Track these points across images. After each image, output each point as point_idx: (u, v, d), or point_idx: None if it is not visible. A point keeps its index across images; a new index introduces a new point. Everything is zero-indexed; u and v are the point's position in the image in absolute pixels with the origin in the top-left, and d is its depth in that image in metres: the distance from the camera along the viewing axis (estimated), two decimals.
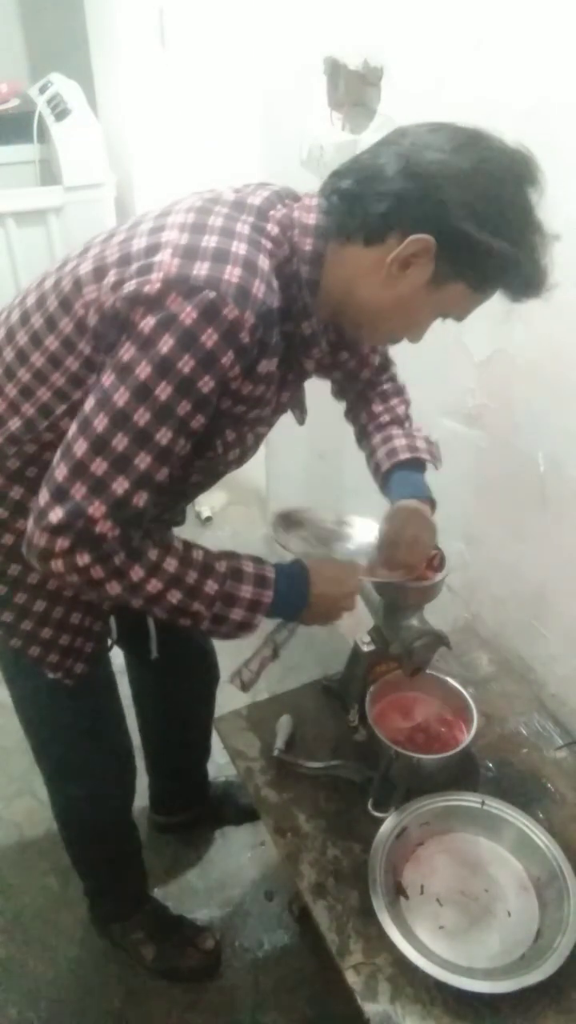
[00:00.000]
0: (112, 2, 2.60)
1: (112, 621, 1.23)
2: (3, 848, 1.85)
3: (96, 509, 0.88)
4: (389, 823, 1.21)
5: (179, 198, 1.00)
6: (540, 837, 1.19)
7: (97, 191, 2.71)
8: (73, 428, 0.90)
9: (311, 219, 0.94)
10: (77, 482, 0.88)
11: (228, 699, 1.53)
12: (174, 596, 0.96)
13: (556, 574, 1.41)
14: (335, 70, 1.55)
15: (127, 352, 0.86)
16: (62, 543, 0.89)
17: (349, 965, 1.10)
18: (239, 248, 0.88)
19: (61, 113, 2.74)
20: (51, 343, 0.96)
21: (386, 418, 1.30)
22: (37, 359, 0.98)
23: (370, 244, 0.92)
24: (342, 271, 0.95)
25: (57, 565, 0.90)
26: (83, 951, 1.68)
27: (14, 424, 1.00)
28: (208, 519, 2.72)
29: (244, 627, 1.02)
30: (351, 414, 1.36)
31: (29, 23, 3.18)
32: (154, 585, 0.94)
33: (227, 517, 2.78)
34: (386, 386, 1.33)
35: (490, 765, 1.35)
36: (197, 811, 1.84)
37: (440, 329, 1.48)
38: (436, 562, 1.23)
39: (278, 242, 0.93)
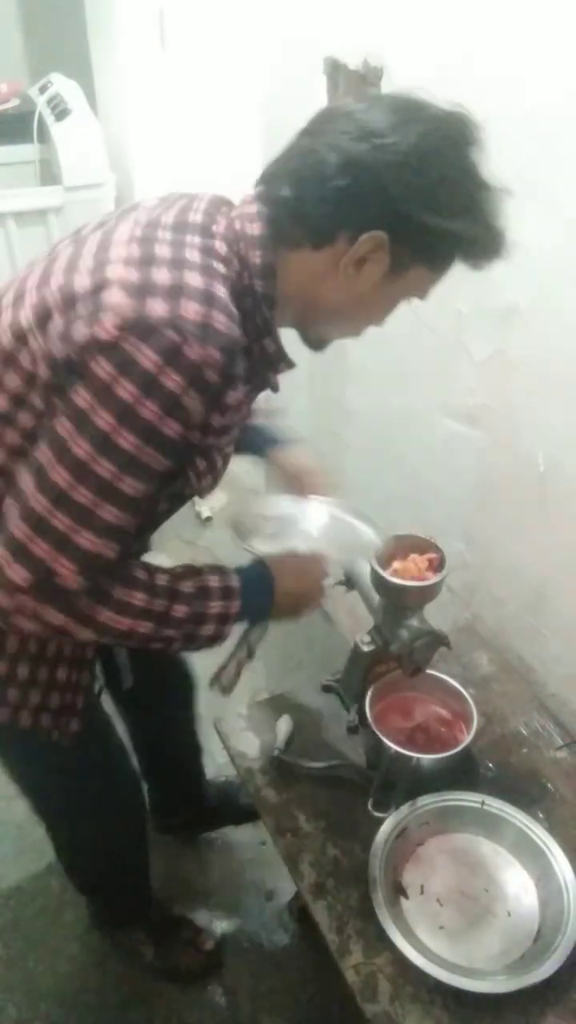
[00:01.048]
0: (112, 2, 2.61)
1: (98, 668, 1.20)
2: (3, 848, 1.85)
3: (63, 566, 0.85)
4: (389, 823, 1.21)
5: (107, 220, 0.94)
6: (540, 837, 1.19)
7: (97, 191, 2.72)
8: (28, 480, 0.84)
9: (256, 229, 0.89)
10: (39, 539, 0.84)
11: (228, 699, 1.53)
12: (145, 627, 0.94)
13: (556, 574, 1.41)
14: (335, 70, 1.55)
15: (83, 399, 0.80)
16: (26, 601, 0.85)
17: (349, 965, 1.10)
18: (192, 279, 0.82)
19: (61, 113, 2.74)
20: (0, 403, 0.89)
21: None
22: None
23: (319, 248, 0.88)
24: (297, 278, 0.91)
25: (21, 622, 0.87)
26: (83, 951, 1.68)
27: None
28: (208, 519, 2.72)
29: (216, 639, 1.02)
30: None
31: (29, 23, 3.19)
32: (123, 622, 0.92)
33: (227, 517, 2.77)
34: None
35: (490, 765, 1.35)
36: (196, 812, 1.84)
37: (440, 329, 1.48)
38: (436, 562, 1.23)
39: (227, 260, 0.87)
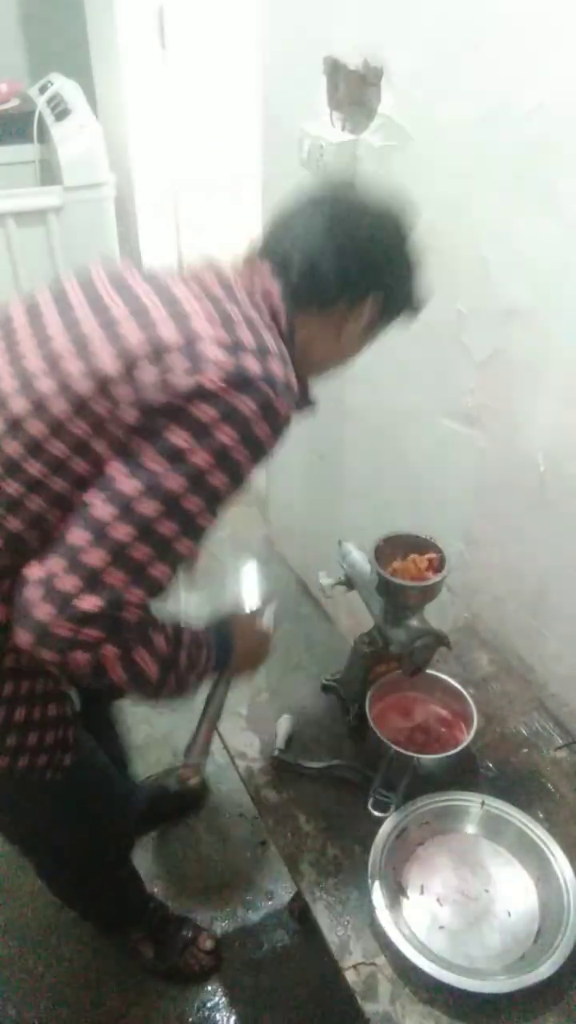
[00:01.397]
0: (112, 2, 2.60)
1: (74, 694, 1.19)
2: (3, 848, 1.85)
3: (134, 596, 0.87)
4: (389, 823, 1.21)
5: (122, 276, 0.99)
6: (540, 837, 1.19)
7: (97, 191, 2.71)
8: (102, 511, 0.85)
9: (277, 297, 0.99)
10: (115, 568, 0.85)
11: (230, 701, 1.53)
12: (153, 672, 0.95)
13: (556, 574, 1.41)
14: (335, 70, 1.55)
15: (181, 439, 0.85)
16: (92, 633, 0.85)
17: (349, 965, 1.10)
18: (269, 341, 0.91)
19: (61, 113, 2.74)
20: (56, 449, 0.89)
21: None
22: (32, 467, 0.90)
23: (324, 310, 1.02)
24: (299, 337, 1.02)
25: (77, 656, 0.86)
26: (83, 951, 1.69)
27: None
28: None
29: (191, 692, 1.05)
30: None
31: (29, 23, 3.18)
32: (150, 667, 0.94)
33: (227, 517, 2.77)
34: None
35: (490, 765, 1.35)
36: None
37: (440, 329, 1.48)
38: (436, 562, 1.23)
39: (268, 324, 0.98)
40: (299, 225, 1.02)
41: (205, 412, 0.85)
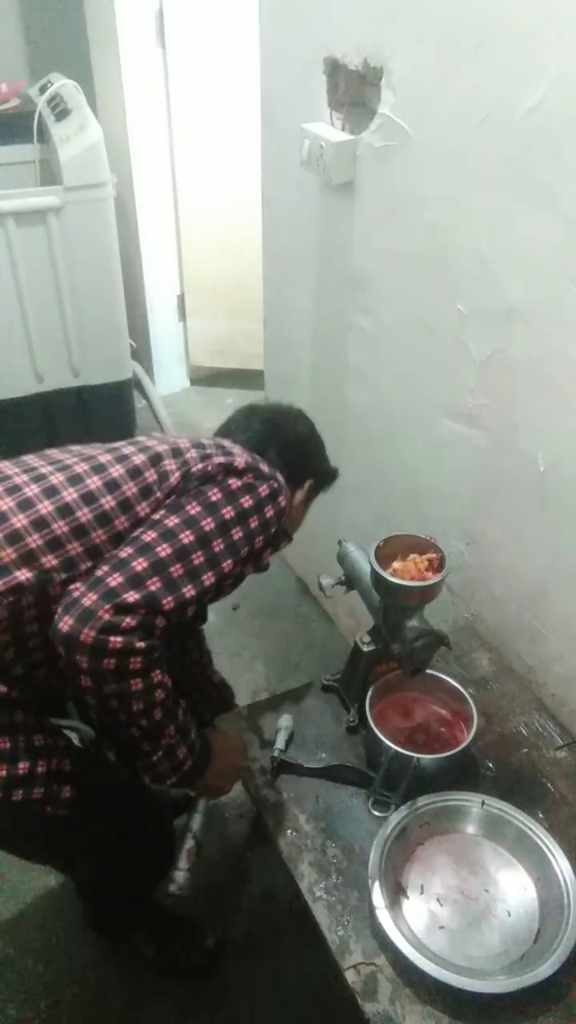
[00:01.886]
0: (112, 2, 2.60)
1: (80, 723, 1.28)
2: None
3: (167, 603, 1.03)
4: (389, 823, 1.21)
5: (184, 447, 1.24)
6: (540, 837, 1.19)
7: (97, 191, 2.71)
8: (147, 536, 1.07)
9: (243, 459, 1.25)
10: (155, 576, 1.03)
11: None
12: (156, 710, 1.07)
13: (556, 574, 1.41)
14: (335, 70, 1.55)
15: (215, 496, 1.12)
16: (129, 622, 0.99)
17: (349, 965, 1.10)
18: (267, 467, 1.22)
19: (61, 113, 2.73)
20: (114, 518, 1.11)
21: (205, 659, 1.65)
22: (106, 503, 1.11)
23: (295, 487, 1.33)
24: None
25: (115, 641, 0.98)
26: (83, 951, 1.68)
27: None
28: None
29: (161, 778, 1.15)
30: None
31: (29, 23, 3.18)
32: (160, 693, 1.06)
33: None
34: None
35: (490, 765, 1.35)
36: None
37: (440, 329, 1.48)
38: (436, 562, 1.23)
39: None
40: (254, 425, 1.33)
41: (234, 483, 1.14)
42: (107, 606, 0.98)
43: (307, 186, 1.77)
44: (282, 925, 1.70)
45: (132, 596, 1.00)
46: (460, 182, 1.33)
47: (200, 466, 1.14)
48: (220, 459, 1.15)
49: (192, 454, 1.17)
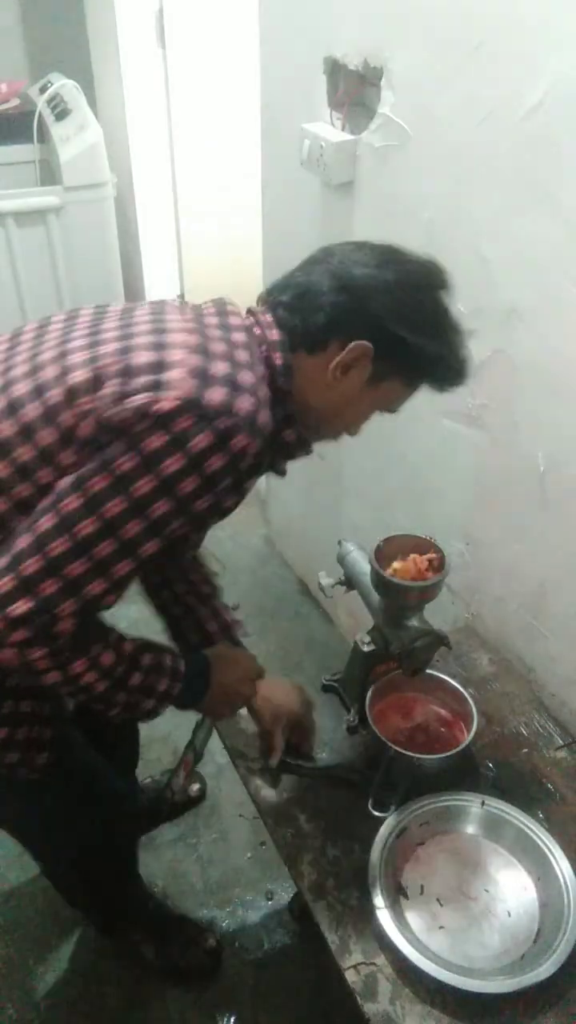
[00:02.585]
0: (112, 2, 2.61)
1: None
2: (3, 848, 1.85)
3: (66, 608, 0.88)
4: (389, 823, 1.21)
5: (133, 307, 1.01)
6: (540, 837, 1.19)
7: (97, 191, 2.72)
8: (46, 522, 0.87)
9: (275, 335, 0.99)
10: (50, 579, 0.87)
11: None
12: (102, 686, 0.98)
13: (556, 574, 1.41)
14: (335, 70, 1.55)
15: (127, 463, 0.85)
16: (20, 635, 0.88)
17: (349, 965, 1.10)
18: (246, 377, 0.90)
19: (61, 113, 2.74)
20: (23, 454, 0.91)
21: (207, 589, 1.34)
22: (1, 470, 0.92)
23: (313, 353, 0.98)
24: (297, 379, 1.00)
25: (6, 653, 0.89)
26: (83, 951, 1.69)
27: None
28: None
29: (151, 714, 1.07)
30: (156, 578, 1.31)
31: (29, 23, 3.18)
32: (89, 677, 0.96)
33: (227, 518, 2.77)
34: (199, 550, 1.35)
35: (490, 765, 1.35)
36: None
37: None
38: (436, 562, 1.23)
39: (262, 360, 0.96)
40: (305, 265, 1.02)
41: (155, 438, 0.85)
42: (20, 634, 0.88)
43: (307, 186, 1.77)
44: (282, 925, 1.70)
45: (23, 605, 0.87)
46: (460, 182, 1.33)
47: (113, 411, 0.86)
48: (141, 399, 0.85)
49: (111, 387, 0.87)
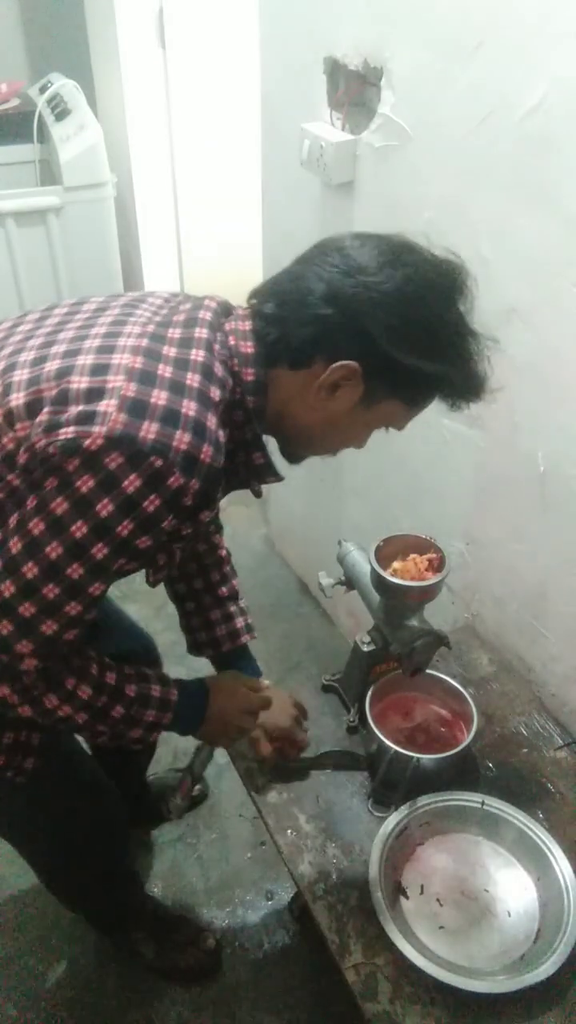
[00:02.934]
0: (112, 2, 2.60)
1: None
2: (3, 848, 1.85)
3: (23, 647, 0.88)
4: (389, 823, 1.21)
5: (110, 304, 0.95)
6: (540, 837, 1.19)
7: (97, 191, 2.72)
8: (18, 581, 0.85)
9: (249, 348, 0.92)
10: (4, 620, 0.87)
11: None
12: (82, 718, 0.98)
13: (556, 574, 1.41)
14: (335, 70, 1.55)
15: (60, 506, 0.82)
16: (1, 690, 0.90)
17: (349, 965, 1.10)
18: (189, 408, 0.83)
19: (61, 113, 2.74)
20: None
21: (224, 590, 1.33)
22: None
23: (296, 368, 0.91)
24: (276, 395, 0.94)
25: None
26: (83, 951, 1.69)
27: None
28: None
29: (140, 743, 1.06)
30: (179, 573, 1.30)
31: (29, 23, 3.18)
32: (65, 710, 0.96)
33: (227, 517, 2.76)
34: (223, 551, 1.35)
35: (490, 765, 1.35)
36: (135, 810, 1.83)
37: None
38: (436, 562, 1.23)
39: (223, 381, 0.89)
40: (297, 265, 0.92)
41: (84, 481, 0.80)
42: None
43: (307, 186, 1.77)
44: (282, 925, 1.70)
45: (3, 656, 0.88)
46: (460, 182, 1.33)
47: (43, 443, 0.81)
48: (69, 433, 0.80)
49: (44, 415, 0.82)
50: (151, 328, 0.89)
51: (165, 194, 3.02)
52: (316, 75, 1.60)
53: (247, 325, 0.93)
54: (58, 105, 2.77)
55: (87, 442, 0.79)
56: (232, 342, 0.92)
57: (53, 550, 0.83)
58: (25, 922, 1.73)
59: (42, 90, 2.87)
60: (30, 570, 0.84)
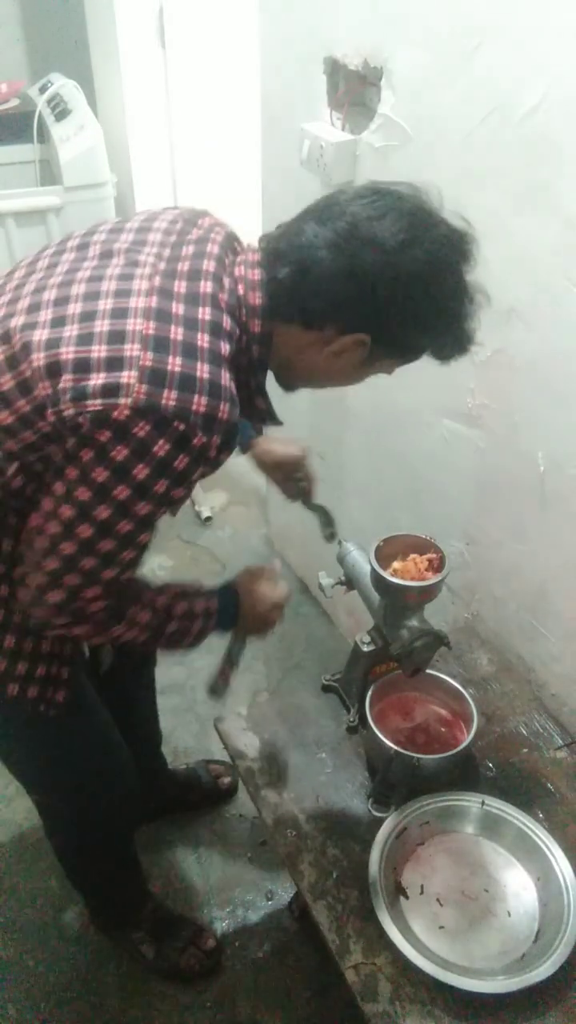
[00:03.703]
0: (112, 2, 2.60)
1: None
2: (3, 848, 1.85)
3: (91, 592, 0.98)
4: (389, 823, 1.21)
5: (118, 237, 1.00)
6: (540, 837, 1.19)
7: (97, 191, 2.71)
8: (54, 528, 0.94)
9: (257, 299, 0.97)
10: (69, 574, 0.96)
11: (228, 700, 1.52)
12: (141, 637, 1.09)
13: (556, 574, 1.41)
14: (335, 70, 1.55)
15: (101, 475, 0.89)
16: (61, 620, 1.01)
17: (349, 965, 1.10)
18: (203, 372, 0.89)
19: (61, 113, 2.74)
20: (5, 417, 0.94)
21: None
22: None
23: (309, 328, 0.97)
24: (283, 346, 1.00)
25: (54, 632, 1.04)
26: (83, 951, 1.69)
27: None
28: (208, 519, 2.72)
29: (190, 649, 1.16)
30: None
31: (29, 23, 3.18)
32: (130, 634, 1.07)
33: (227, 517, 2.78)
34: None
35: (490, 765, 1.35)
36: (161, 800, 1.85)
37: None
38: (436, 562, 1.23)
39: (231, 333, 0.94)
40: (308, 223, 0.95)
41: (118, 450, 0.88)
42: (38, 607, 0.99)
43: (307, 186, 1.76)
44: (282, 925, 1.70)
45: (55, 596, 0.98)
46: (460, 182, 1.33)
47: (71, 412, 0.87)
48: (97, 406, 0.86)
49: (67, 382, 0.88)
50: (157, 282, 0.93)
51: (165, 194, 3.02)
52: (316, 75, 1.60)
53: (256, 275, 0.98)
54: (58, 105, 2.76)
55: (115, 413, 0.86)
56: (241, 292, 0.97)
57: (101, 513, 0.92)
58: (25, 922, 1.73)
59: (42, 90, 2.87)
60: (84, 531, 0.93)
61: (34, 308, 0.94)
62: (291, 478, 1.42)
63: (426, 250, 0.91)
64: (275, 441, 1.40)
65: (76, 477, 0.91)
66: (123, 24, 2.64)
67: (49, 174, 2.87)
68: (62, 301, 0.93)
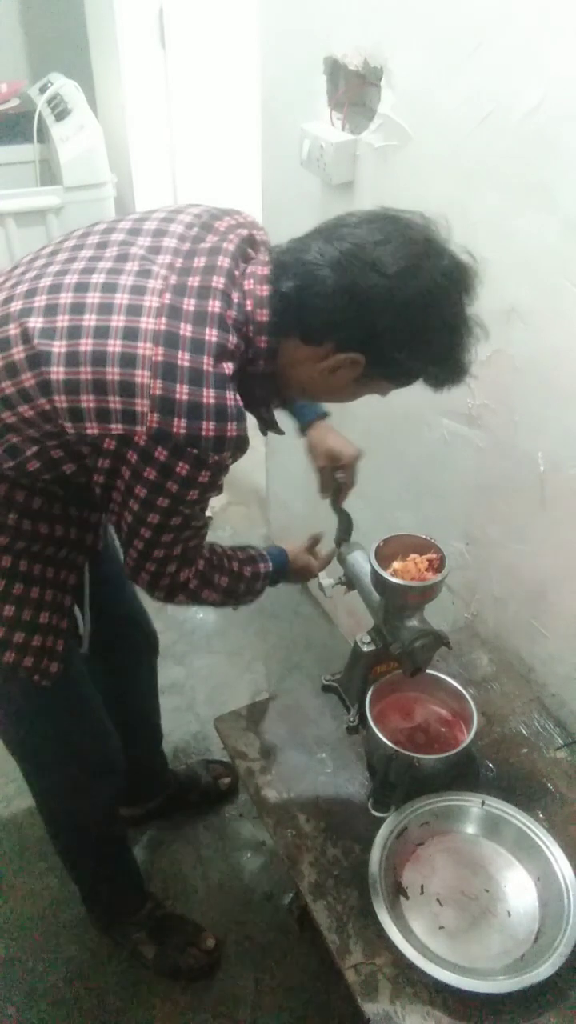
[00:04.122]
0: (112, 2, 2.61)
1: (77, 612, 1.28)
2: (3, 848, 1.86)
3: (186, 574, 1.14)
4: (389, 823, 1.21)
5: (148, 255, 1.00)
6: (540, 837, 1.19)
7: (97, 191, 2.72)
8: (147, 533, 1.04)
9: (264, 316, 0.99)
10: (147, 564, 1.09)
11: (228, 699, 1.52)
12: (220, 599, 1.22)
13: (556, 574, 1.41)
14: (335, 70, 1.55)
15: (142, 491, 0.98)
16: (179, 597, 1.16)
17: (349, 965, 1.10)
18: (208, 397, 0.93)
19: (61, 113, 2.74)
20: (25, 411, 0.98)
21: None
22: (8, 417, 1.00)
23: (307, 343, 1.00)
24: (281, 358, 1.03)
25: (167, 601, 1.18)
26: (83, 951, 1.69)
27: None
28: (208, 518, 2.72)
29: (250, 603, 1.31)
30: None
31: (29, 23, 3.19)
32: (213, 598, 1.21)
33: (227, 517, 2.78)
34: None
35: (490, 765, 1.35)
36: (160, 799, 1.86)
37: None
38: (436, 562, 1.23)
39: (235, 352, 0.97)
40: (317, 245, 0.97)
41: (148, 470, 0.96)
42: (157, 590, 1.14)
43: (307, 186, 1.77)
44: (282, 925, 1.70)
45: (165, 580, 1.12)
46: (460, 182, 1.33)
47: (96, 432, 0.95)
48: (119, 431, 0.93)
49: (87, 402, 0.93)
50: (167, 299, 0.95)
51: (165, 194, 3.02)
52: (316, 75, 1.60)
53: (264, 291, 0.99)
54: (58, 105, 2.77)
55: (136, 438, 0.93)
56: (249, 307, 0.99)
57: (153, 518, 1.02)
58: (25, 922, 1.73)
59: (42, 90, 2.87)
60: (145, 532, 1.04)
61: (52, 313, 0.96)
62: (334, 473, 1.46)
63: (426, 279, 0.93)
64: (335, 432, 1.44)
65: (124, 491, 1.01)
66: (123, 24, 2.65)
67: (49, 174, 2.87)
68: (78, 308, 0.95)
